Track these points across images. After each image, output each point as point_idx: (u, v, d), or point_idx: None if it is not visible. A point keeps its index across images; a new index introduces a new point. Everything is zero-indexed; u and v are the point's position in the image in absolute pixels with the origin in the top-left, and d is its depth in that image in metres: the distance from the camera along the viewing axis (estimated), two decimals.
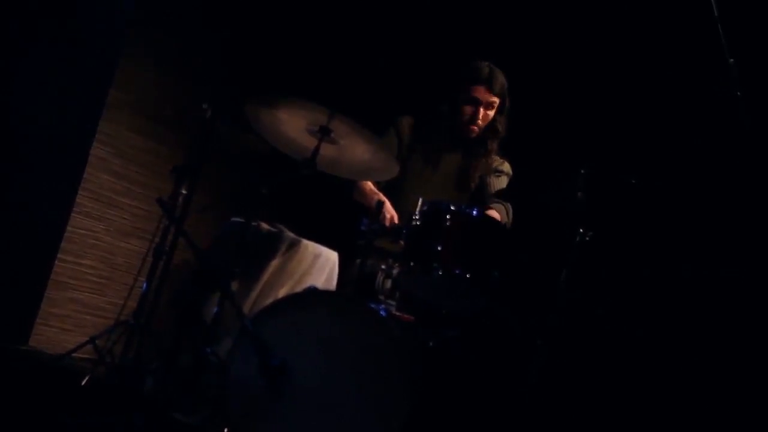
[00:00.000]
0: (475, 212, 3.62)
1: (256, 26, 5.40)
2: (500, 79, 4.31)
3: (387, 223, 3.95)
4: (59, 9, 5.03)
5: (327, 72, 5.52)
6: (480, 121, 4.33)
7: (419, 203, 3.61)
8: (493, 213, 4.15)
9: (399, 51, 5.61)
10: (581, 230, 3.66)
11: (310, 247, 4.10)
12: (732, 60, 3.39)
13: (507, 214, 4.33)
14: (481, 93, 4.29)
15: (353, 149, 3.69)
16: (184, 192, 4.09)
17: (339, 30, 5.63)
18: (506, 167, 4.49)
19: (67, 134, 4.86)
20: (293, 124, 3.65)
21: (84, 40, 4.95)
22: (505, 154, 4.51)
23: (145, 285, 4.15)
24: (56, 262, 4.71)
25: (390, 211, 4.05)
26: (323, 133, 3.59)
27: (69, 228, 4.74)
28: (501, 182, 4.46)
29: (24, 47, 5.04)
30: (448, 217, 3.54)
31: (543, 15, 5.23)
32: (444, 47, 5.37)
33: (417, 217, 3.57)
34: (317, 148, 3.61)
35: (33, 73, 5.04)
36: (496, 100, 4.32)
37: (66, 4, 5.02)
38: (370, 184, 4.36)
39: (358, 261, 3.80)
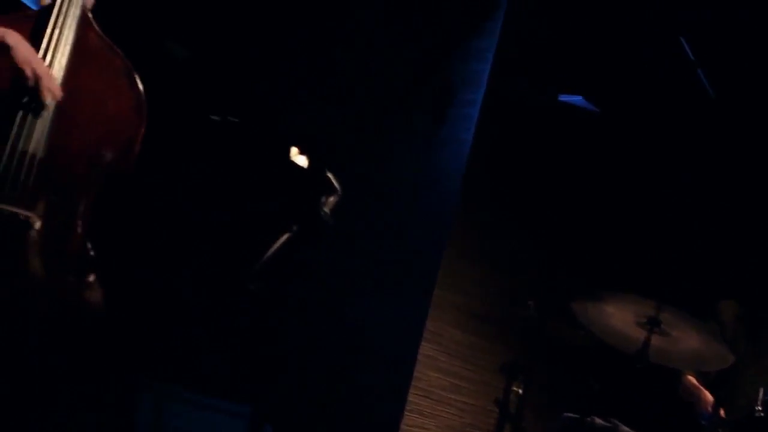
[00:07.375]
0: None
1: (573, 225, 5.48)
2: None
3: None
4: (384, 216, 5.33)
5: (650, 262, 5.49)
6: None
7: (760, 393, 3.49)
8: None
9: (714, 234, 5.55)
10: None
11: None
12: None
13: None
14: None
15: (684, 339, 3.65)
16: (517, 390, 4.16)
17: (653, 221, 5.63)
18: None
19: (397, 334, 5.06)
20: (620, 317, 3.67)
21: (410, 242, 5.18)
22: None
23: None
24: None
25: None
26: (652, 325, 3.58)
27: (403, 426, 4.87)
28: None
29: (351, 248, 5.32)
30: None
31: None
32: None
33: (760, 408, 3.46)
34: (648, 340, 3.59)
35: (364, 281, 5.32)
36: None
37: (390, 208, 5.31)
38: (692, 380, 4.25)
39: None
